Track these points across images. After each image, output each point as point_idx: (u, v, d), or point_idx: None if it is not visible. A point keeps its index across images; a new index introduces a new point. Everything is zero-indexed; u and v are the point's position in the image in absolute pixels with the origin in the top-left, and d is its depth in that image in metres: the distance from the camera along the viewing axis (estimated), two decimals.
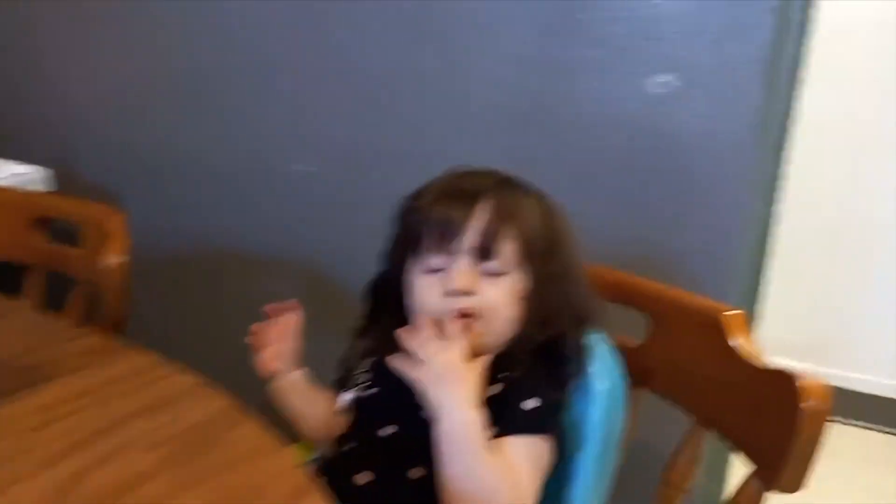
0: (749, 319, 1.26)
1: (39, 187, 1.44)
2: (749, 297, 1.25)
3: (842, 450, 2.14)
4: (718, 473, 1.33)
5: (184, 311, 1.56)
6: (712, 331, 0.80)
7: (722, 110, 1.06)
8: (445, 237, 0.79)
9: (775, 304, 2.05)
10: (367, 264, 0.90)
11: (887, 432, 2.26)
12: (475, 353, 0.79)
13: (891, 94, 2.15)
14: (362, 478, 0.80)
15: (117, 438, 0.67)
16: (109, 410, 0.71)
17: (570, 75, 1.14)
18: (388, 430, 0.82)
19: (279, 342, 0.92)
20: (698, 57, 1.06)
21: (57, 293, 1.12)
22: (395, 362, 0.77)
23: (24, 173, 1.44)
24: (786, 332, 2.29)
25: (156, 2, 1.44)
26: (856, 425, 2.28)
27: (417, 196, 0.84)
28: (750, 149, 1.07)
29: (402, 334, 0.78)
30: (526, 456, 0.77)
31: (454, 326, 0.78)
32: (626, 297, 0.90)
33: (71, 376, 0.76)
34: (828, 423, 0.67)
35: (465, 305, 0.79)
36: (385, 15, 1.26)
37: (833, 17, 1.64)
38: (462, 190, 0.81)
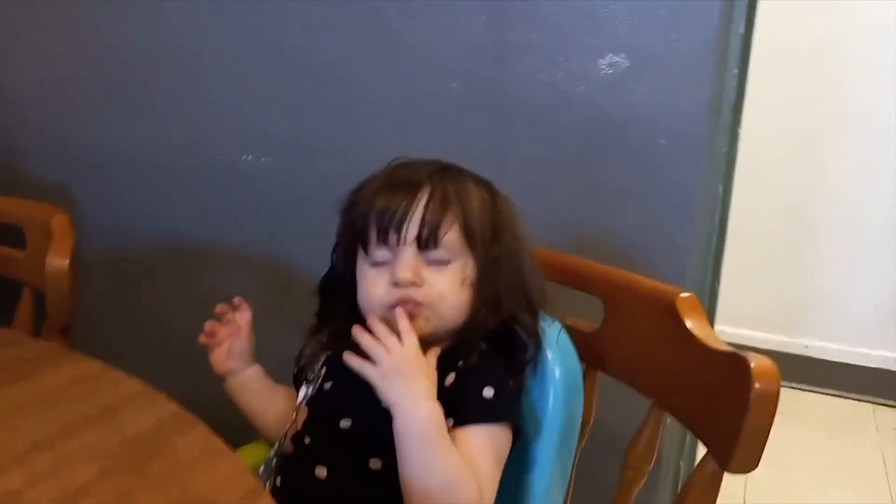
0: (710, 297, 1.29)
1: None
2: (708, 275, 1.26)
3: (811, 417, 2.20)
4: (691, 455, 1.34)
5: (136, 310, 1.53)
6: (665, 314, 0.80)
7: (673, 90, 1.06)
8: (388, 229, 0.79)
9: (740, 277, 2.08)
10: (323, 256, 0.90)
11: (856, 399, 2.32)
12: (425, 343, 0.79)
13: (838, 69, 2.17)
14: (321, 471, 0.80)
15: (58, 451, 0.65)
16: (50, 421, 0.69)
17: (518, 59, 1.13)
18: (345, 424, 0.81)
19: (232, 340, 0.92)
20: (647, 38, 1.05)
21: (9, 299, 1.09)
22: (351, 360, 0.77)
23: None
24: (752, 305, 2.33)
25: None
26: (824, 393, 2.33)
27: (359, 190, 0.84)
28: (702, 128, 1.07)
29: (356, 332, 0.78)
30: (486, 445, 0.77)
31: (404, 320, 0.77)
32: (579, 280, 0.90)
33: (11, 386, 0.74)
34: (776, 405, 0.67)
35: (411, 295, 0.79)
36: (323, 2, 1.24)
37: None
38: (402, 181, 0.81)
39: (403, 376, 0.75)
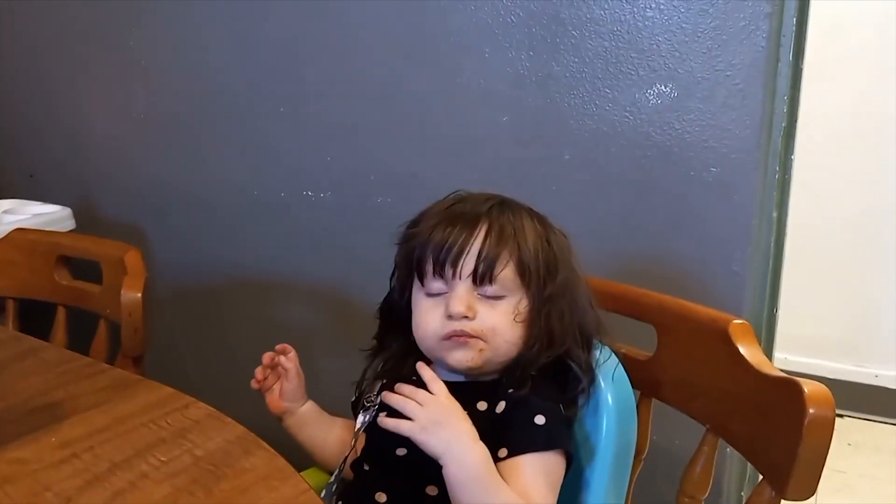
0: (769, 324, 1.27)
1: (60, 226, 1.48)
2: (766, 301, 1.24)
3: (885, 448, 2.11)
4: (753, 484, 1.31)
5: (203, 339, 1.59)
6: (718, 340, 0.80)
7: (721, 118, 1.07)
8: (444, 263, 0.81)
9: (803, 303, 2.03)
10: (382, 285, 0.92)
11: None
12: (479, 374, 0.81)
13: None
14: (381, 497, 0.82)
15: (134, 472, 0.69)
16: (126, 444, 0.73)
17: (566, 91, 1.16)
18: (401, 452, 0.83)
19: (282, 382, 0.94)
20: (694, 66, 1.07)
21: (90, 329, 1.15)
22: (386, 423, 0.77)
23: (44, 213, 1.49)
24: (817, 332, 2.26)
25: (165, 44, 1.48)
26: (889, 423, 2.24)
27: (417, 221, 0.86)
28: (753, 154, 1.08)
29: (385, 397, 0.78)
30: (540, 473, 0.78)
31: (426, 371, 0.77)
32: (632, 309, 0.91)
33: (89, 412, 0.78)
34: (832, 431, 0.66)
35: (464, 328, 0.81)
36: (376, 42, 1.29)
37: (830, 12, 1.65)
38: (460, 215, 0.83)
39: (444, 425, 0.75)
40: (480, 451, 0.75)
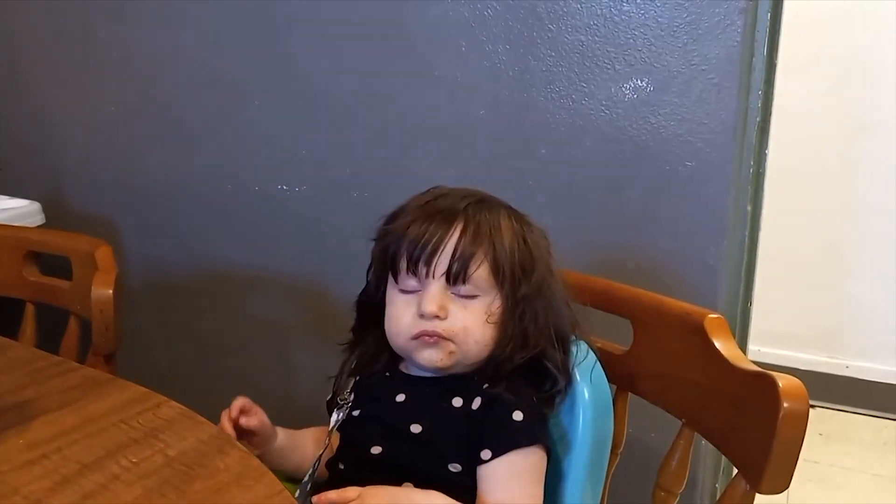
0: (743, 317, 1.28)
1: (29, 221, 1.45)
2: (740, 295, 1.26)
3: (855, 438, 2.14)
4: (728, 477, 1.33)
5: (177, 336, 1.57)
6: (694, 334, 0.81)
7: (697, 112, 1.07)
8: (419, 260, 0.80)
9: (776, 296, 2.05)
10: (357, 281, 0.91)
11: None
12: (450, 371, 0.81)
13: (867, 76, 2.15)
14: None
15: (105, 472, 0.67)
16: (97, 445, 0.71)
17: (543, 85, 1.16)
18: (376, 451, 0.82)
19: (247, 427, 0.88)
20: (670, 61, 1.07)
21: (60, 327, 1.13)
22: None
23: (12, 207, 1.45)
24: (789, 325, 2.30)
25: (138, 34, 1.46)
26: (867, 414, 2.27)
27: (394, 217, 0.85)
28: (728, 148, 1.08)
29: None
30: (525, 471, 0.78)
31: (331, 497, 0.74)
32: (608, 303, 0.91)
33: (58, 412, 0.77)
34: (805, 424, 0.67)
35: (435, 328, 0.80)
36: (352, 33, 1.27)
37: (803, 7, 1.67)
38: (437, 212, 0.82)
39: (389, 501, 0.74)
40: (431, 495, 0.75)
